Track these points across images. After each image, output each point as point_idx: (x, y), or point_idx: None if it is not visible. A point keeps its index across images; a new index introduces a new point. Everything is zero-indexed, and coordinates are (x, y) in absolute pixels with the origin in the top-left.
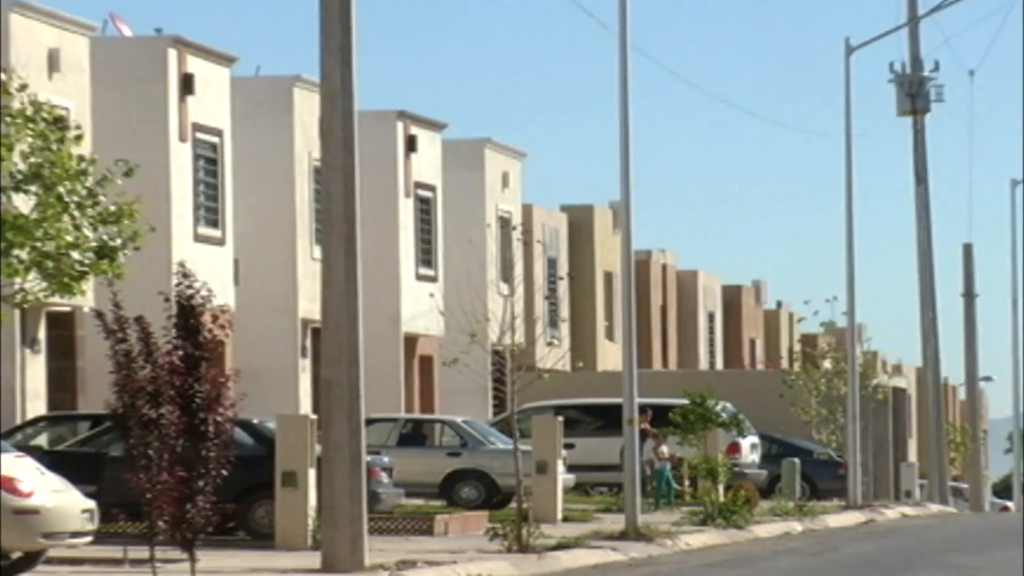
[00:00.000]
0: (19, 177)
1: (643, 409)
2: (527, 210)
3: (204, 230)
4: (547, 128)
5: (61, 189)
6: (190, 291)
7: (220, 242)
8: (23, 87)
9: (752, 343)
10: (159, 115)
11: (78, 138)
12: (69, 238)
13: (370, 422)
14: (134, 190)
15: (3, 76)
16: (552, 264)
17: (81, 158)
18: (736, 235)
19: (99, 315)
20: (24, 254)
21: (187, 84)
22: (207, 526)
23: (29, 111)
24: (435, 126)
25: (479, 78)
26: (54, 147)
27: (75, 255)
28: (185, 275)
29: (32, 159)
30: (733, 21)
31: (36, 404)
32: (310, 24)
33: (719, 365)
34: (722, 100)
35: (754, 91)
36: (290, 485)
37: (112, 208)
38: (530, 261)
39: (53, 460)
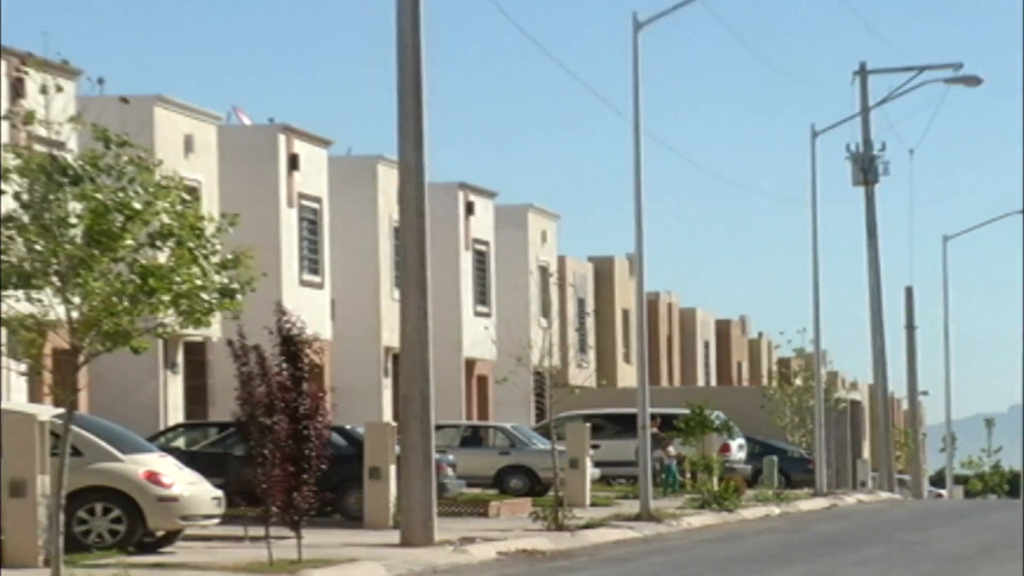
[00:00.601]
0: (156, 235)
1: (654, 417)
2: (561, 260)
3: (307, 276)
4: (577, 193)
5: (190, 244)
6: (289, 325)
7: (320, 286)
8: (160, 162)
9: (739, 365)
10: (271, 187)
11: (196, 200)
12: (198, 282)
13: (438, 428)
14: (250, 243)
15: (143, 154)
16: (581, 303)
17: (200, 217)
18: (727, 279)
19: (230, 343)
20: (164, 296)
21: (293, 162)
22: (310, 510)
23: (164, 183)
24: (488, 194)
25: (525, 154)
26: (179, 208)
27: (204, 296)
28: (282, 312)
29: (165, 220)
30: (722, 110)
31: (175, 414)
32: (392, 112)
33: (713, 382)
34: (715, 173)
35: (741, 166)
36: (375, 478)
37: (230, 256)
38: (564, 301)
39: (189, 459)
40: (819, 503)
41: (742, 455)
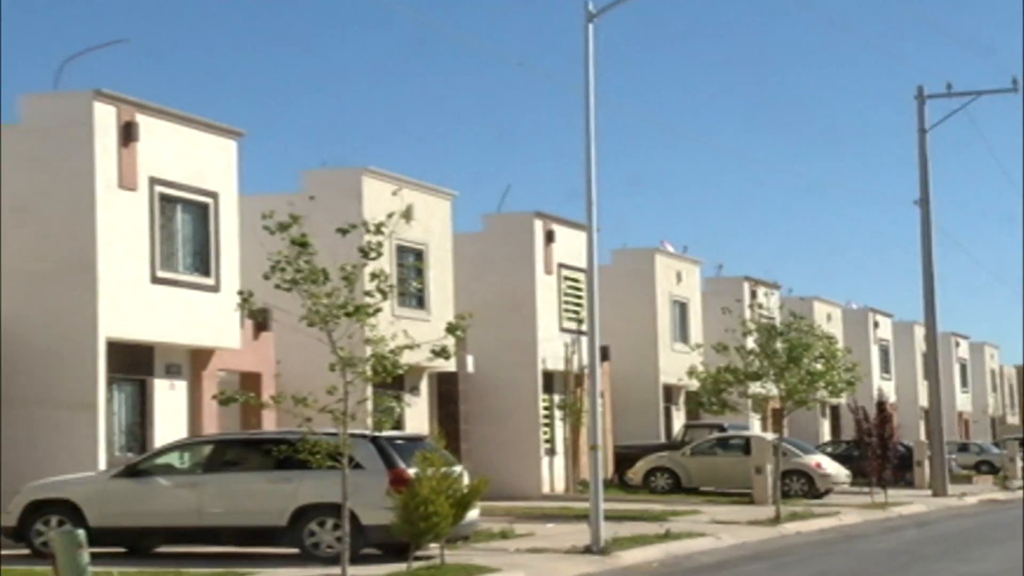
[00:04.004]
0: (815, 359)
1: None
2: (1002, 369)
3: (884, 375)
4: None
5: (832, 362)
6: (881, 398)
7: (890, 380)
8: (819, 327)
9: None
10: (865, 336)
11: (834, 343)
12: (836, 379)
13: (947, 443)
14: (858, 361)
15: (809, 324)
16: (1011, 388)
17: (837, 350)
18: None
19: (848, 406)
20: (820, 384)
21: (875, 324)
22: (889, 481)
23: (818, 334)
24: (965, 336)
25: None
26: (826, 346)
27: (838, 385)
28: (880, 392)
29: (820, 352)
30: None
31: (824, 438)
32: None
33: None
34: None
35: None
36: (919, 465)
37: (849, 368)
38: (1000, 387)
39: (834, 457)
40: None
41: None
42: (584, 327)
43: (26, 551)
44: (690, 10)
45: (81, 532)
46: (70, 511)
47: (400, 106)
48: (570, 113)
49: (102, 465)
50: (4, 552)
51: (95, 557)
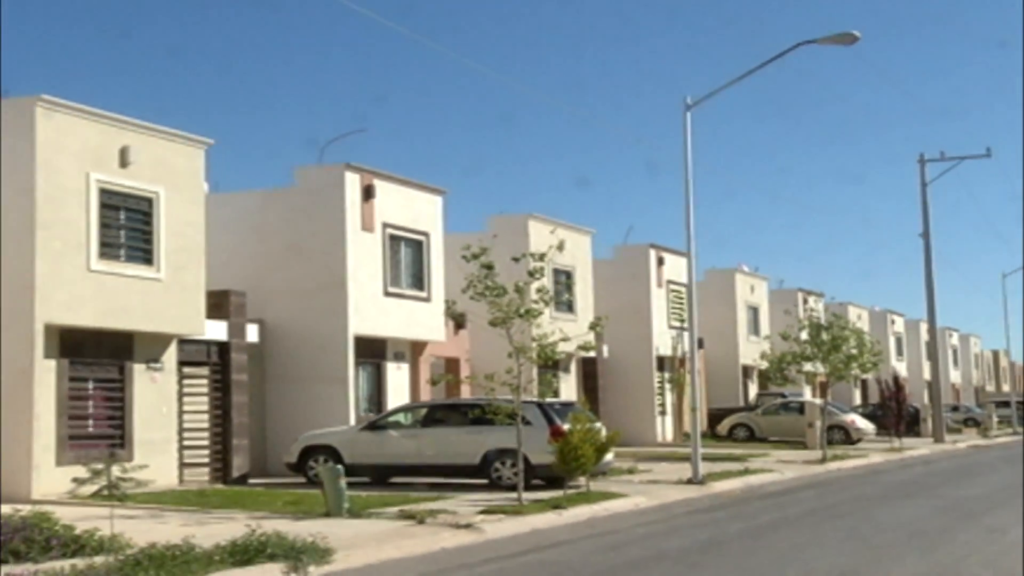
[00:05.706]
0: (851, 346)
1: None
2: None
3: (898, 359)
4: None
5: (863, 349)
6: (895, 375)
7: (902, 361)
8: (856, 329)
9: None
10: (885, 333)
11: (863, 334)
12: (866, 361)
13: (945, 404)
14: (880, 351)
15: (845, 323)
16: None
17: (865, 342)
18: None
19: (874, 379)
20: (854, 365)
21: (894, 322)
22: (904, 432)
23: (855, 330)
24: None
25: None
26: (858, 338)
27: (867, 365)
28: (894, 372)
29: (852, 343)
30: None
31: (856, 402)
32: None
33: None
34: None
35: None
36: (924, 421)
37: (876, 354)
38: None
39: (863, 415)
40: None
41: None
42: (685, 325)
43: (302, 480)
44: (755, 93)
45: (340, 468)
46: (332, 453)
47: (557, 171)
48: (664, 167)
49: (352, 421)
50: (288, 480)
51: (349, 485)
